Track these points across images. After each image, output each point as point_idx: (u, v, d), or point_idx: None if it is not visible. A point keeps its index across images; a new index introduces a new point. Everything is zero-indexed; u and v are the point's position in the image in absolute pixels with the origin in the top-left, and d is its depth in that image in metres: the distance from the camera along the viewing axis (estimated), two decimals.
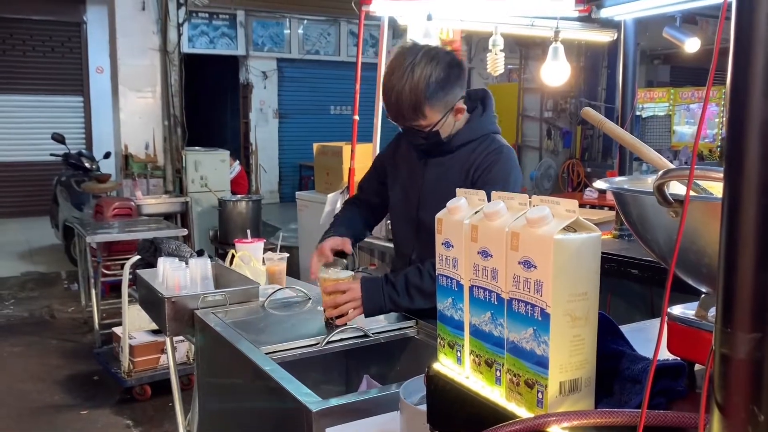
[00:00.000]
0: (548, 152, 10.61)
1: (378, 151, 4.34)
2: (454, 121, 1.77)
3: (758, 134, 0.57)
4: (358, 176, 4.22)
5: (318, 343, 1.68)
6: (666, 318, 0.77)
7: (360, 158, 4.28)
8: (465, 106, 1.79)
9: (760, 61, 0.56)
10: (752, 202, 0.58)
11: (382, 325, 1.80)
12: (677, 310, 0.94)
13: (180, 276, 2.11)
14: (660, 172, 0.71)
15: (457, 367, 0.92)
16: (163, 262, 2.18)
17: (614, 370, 0.86)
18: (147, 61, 7.15)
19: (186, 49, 9.10)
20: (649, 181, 0.93)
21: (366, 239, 4.03)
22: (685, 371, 0.86)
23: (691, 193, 0.76)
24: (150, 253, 2.72)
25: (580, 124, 10.67)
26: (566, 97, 10.61)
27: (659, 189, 0.69)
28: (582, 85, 10.62)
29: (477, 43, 8.82)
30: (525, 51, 10.00)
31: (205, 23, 10.44)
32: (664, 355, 0.92)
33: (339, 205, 4.17)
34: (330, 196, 4.23)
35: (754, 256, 0.58)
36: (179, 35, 7.27)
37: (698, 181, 0.85)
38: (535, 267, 0.78)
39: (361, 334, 1.73)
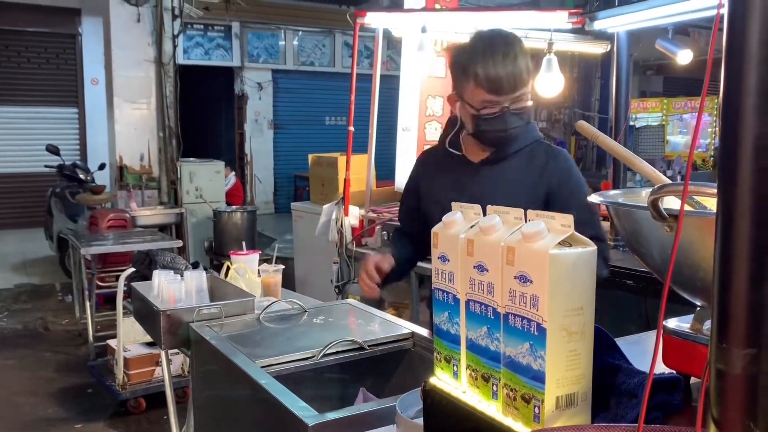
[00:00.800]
0: None
1: (373, 162, 4.35)
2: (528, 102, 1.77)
3: (751, 150, 0.58)
4: (354, 187, 4.26)
5: (314, 356, 1.68)
6: (661, 332, 0.77)
7: (355, 169, 4.29)
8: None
9: (753, 77, 0.56)
10: (746, 217, 0.59)
11: (378, 337, 1.80)
12: (672, 323, 0.94)
13: (175, 289, 2.10)
14: (654, 188, 0.71)
15: (454, 382, 0.92)
16: (158, 275, 2.18)
17: (610, 385, 0.86)
18: (142, 73, 7.15)
19: (181, 60, 9.13)
20: (644, 195, 0.94)
21: (360, 250, 4.05)
22: (681, 385, 0.87)
23: (686, 207, 0.76)
24: (145, 265, 2.71)
25: (574, 134, 10.72)
26: (560, 108, 10.67)
27: (654, 204, 0.70)
28: (576, 96, 10.68)
29: None
30: None
31: (200, 35, 10.47)
32: (660, 368, 0.92)
33: (334, 216, 4.18)
34: (325, 207, 4.23)
35: (749, 271, 0.59)
36: (174, 47, 7.28)
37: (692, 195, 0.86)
38: (531, 282, 0.78)
39: (357, 346, 1.73)
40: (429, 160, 2.01)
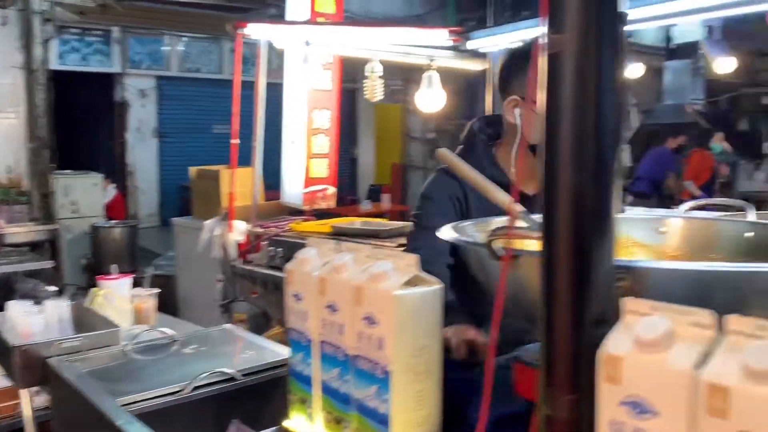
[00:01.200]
0: (432, 172, 10.86)
1: (259, 175, 4.23)
2: None
3: (568, 198, 0.59)
4: (239, 201, 4.13)
5: (182, 390, 1.60)
6: (491, 368, 0.78)
7: (241, 182, 4.17)
8: None
9: (567, 140, 0.58)
10: (566, 263, 0.60)
11: (252, 365, 1.74)
12: (524, 352, 0.96)
13: (31, 321, 1.95)
14: (490, 231, 0.72)
15: (309, 424, 0.90)
16: (12, 306, 2.01)
17: (462, 419, 0.87)
18: (9, 80, 6.67)
19: (55, 66, 8.59)
20: (493, 225, 0.95)
21: (246, 267, 3.95)
22: (530, 416, 0.88)
23: (523, 246, 0.78)
24: (2, 295, 2.50)
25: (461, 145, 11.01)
26: (449, 119, 10.94)
27: (489, 245, 0.71)
28: (462, 108, 10.99)
29: (361, 66, 8.92)
30: (407, 74, 10.22)
31: (77, 39, 9.90)
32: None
33: (217, 232, 4.04)
34: (207, 222, 4.09)
35: (570, 316, 0.60)
36: (45, 52, 6.84)
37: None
38: (378, 323, 0.77)
39: (228, 377, 1.67)
40: (467, 192, 1.67)
